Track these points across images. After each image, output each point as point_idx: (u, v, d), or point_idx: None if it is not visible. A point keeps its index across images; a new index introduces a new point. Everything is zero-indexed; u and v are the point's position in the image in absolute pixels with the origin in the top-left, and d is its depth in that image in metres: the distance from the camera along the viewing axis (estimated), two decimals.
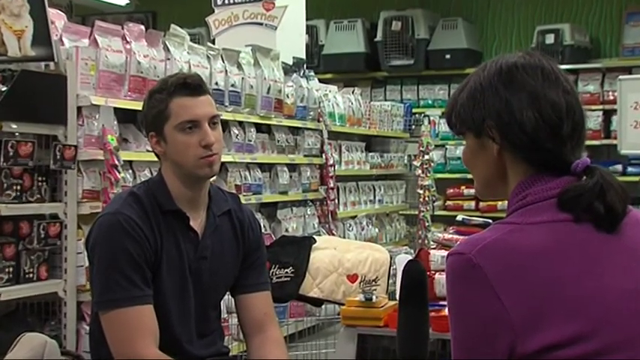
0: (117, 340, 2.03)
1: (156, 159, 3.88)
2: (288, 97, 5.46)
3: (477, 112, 1.34)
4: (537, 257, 1.24)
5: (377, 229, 6.81)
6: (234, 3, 6.07)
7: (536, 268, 1.23)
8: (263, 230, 5.03)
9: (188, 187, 2.15)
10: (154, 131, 2.15)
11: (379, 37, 8.42)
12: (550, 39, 7.73)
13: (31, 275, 3.48)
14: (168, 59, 4.31)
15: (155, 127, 2.14)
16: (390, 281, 3.38)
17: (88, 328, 3.55)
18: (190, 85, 2.11)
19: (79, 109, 3.68)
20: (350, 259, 3.24)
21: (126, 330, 2.02)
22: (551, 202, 1.29)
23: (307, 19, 6.79)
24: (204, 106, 2.12)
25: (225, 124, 4.95)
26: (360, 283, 3.21)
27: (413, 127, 7.73)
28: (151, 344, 2.01)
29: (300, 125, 5.67)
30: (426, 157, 7.02)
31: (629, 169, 7.34)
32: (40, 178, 3.52)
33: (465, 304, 1.27)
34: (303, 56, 6.40)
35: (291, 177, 5.53)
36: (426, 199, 7.02)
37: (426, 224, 6.99)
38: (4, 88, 3.30)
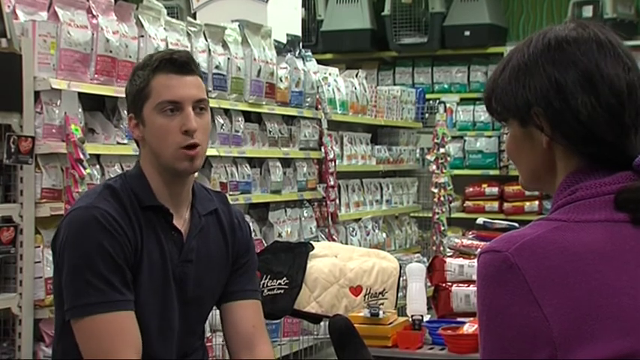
0: (93, 352, 2.02)
1: (127, 153, 3.85)
2: (281, 80, 5.45)
3: (522, 97, 1.33)
4: (586, 260, 1.23)
5: (384, 234, 6.80)
6: None
7: (584, 272, 1.23)
8: (253, 235, 5.07)
9: (168, 182, 2.15)
10: (133, 112, 2.16)
11: (387, 10, 8.40)
12: (588, 12, 7.72)
13: None
14: (142, 36, 4.29)
15: (134, 108, 2.15)
16: (400, 294, 3.37)
17: (47, 350, 3.56)
18: (177, 61, 2.12)
19: (37, 94, 3.66)
20: (353, 269, 3.23)
21: (104, 340, 2.00)
22: (606, 200, 1.28)
23: None
24: (189, 87, 2.12)
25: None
26: (364, 296, 3.20)
27: (426, 115, 7.73)
28: (133, 356, 2.01)
29: (295, 114, 5.65)
30: (442, 150, 7.01)
31: None
32: None
33: (498, 310, 1.25)
34: (299, 33, 6.39)
35: (285, 174, 5.52)
36: (442, 199, 7.01)
37: (442, 228, 6.98)
38: None
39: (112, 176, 2.79)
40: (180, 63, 2.12)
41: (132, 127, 2.17)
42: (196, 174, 4.58)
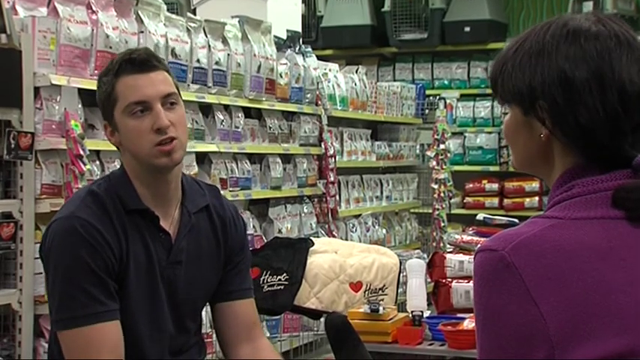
0: None
1: None
2: (281, 76, 5.44)
3: (529, 87, 1.30)
4: (583, 258, 1.23)
5: (384, 230, 6.80)
6: None
7: (580, 270, 1.22)
8: (253, 231, 5.08)
9: (152, 182, 2.13)
10: (106, 120, 2.15)
11: (387, 6, 8.39)
12: (588, 7, 7.71)
13: None
14: (142, 32, 4.28)
15: (106, 115, 2.14)
16: (400, 290, 3.37)
17: (47, 345, 3.56)
18: (136, 60, 2.09)
19: (37, 89, 3.66)
20: (353, 265, 3.23)
21: (86, 351, 2.02)
22: (603, 196, 1.27)
23: None
24: (154, 85, 2.08)
25: (209, 109, 4.93)
26: (364, 292, 3.20)
27: (426, 111, 7.72)
28: None
29: (295, 110, 5.65)
30: (442, 146, 7.00)
31: None
32: None
33: (496, 310, 1.25)
34: (299, 29, 6.38)
35: (285, 169, 5.52)
36: (442, 195, 7.01)
37: (442, 224, 6.98)
38: None
39: (97, 178, 2.78)
40: (139, 61, 2.08)
41: (108, 135, 2.15)
42: (196, 169, 4.60)
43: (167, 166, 2.10)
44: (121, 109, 2.08)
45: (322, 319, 3.51)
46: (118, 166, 3.91)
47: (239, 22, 5.17)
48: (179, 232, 2.15)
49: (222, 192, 2.38)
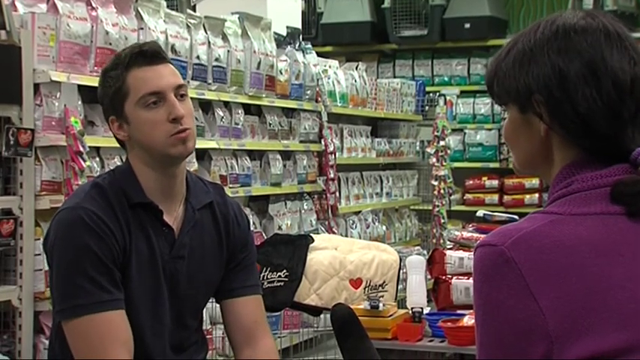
0: (84, 353, 2.02)
1: None
2: (281, 73, 5.45)
3: (524, 83, 1.32)
4: (582, 253, 1.23)
5: (384, 227, 6.80)
6: None
7: (580, 266, 1.23)
8: (253, 228, 5.08)
9: (160, 175, 2.14)
10: (114, 114, 2.14)
11: (387, 3, 8.39)
12: (588, 4, 7.71)
13: None
14: (142, 29, 4.29)
15: (114, 110, 2.13)
16: (400, 287, 3.37)
17: (47, 342, 3.56)
18: (147, 52, 2.10)
19: (37, 86, 3.66)
20: (353, 262, 3.23)
21: (94, 340, 2.01)
22: (602, 192, 1.28)
23: None
24: (166, 76, 2.10)
25: (209, 105, 4.93)
26: (364, 288, 3.20)
27: (426, 108, 7.73)
28: (124, 355, 2.01)
29: (295, 106, 5.65)
30: (442, 143, 7.01)
31: None
32: None
33: (495, 305, 1.25)
34: (299, 26, 6.38)
35: (284, 166, 5.52)
36: (442, 192, 7.01)
37: (442, 221, 6.98)
38: None
39: (102, 173, 2.79)
40: (151, 54, 2.10)
41: (115, 129, 2.15)
42: (196, 166, 4.60)
43: (181, 155, 2.11)
44: (134, 101, 2.08)
45: (322, 316, 3.52)
46: (118, 163, 3.95)
47: (239, 18, 5.17)
48: (182, 228, 2.16)
49: None
